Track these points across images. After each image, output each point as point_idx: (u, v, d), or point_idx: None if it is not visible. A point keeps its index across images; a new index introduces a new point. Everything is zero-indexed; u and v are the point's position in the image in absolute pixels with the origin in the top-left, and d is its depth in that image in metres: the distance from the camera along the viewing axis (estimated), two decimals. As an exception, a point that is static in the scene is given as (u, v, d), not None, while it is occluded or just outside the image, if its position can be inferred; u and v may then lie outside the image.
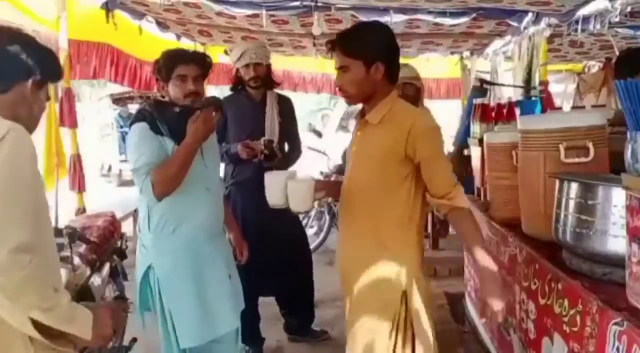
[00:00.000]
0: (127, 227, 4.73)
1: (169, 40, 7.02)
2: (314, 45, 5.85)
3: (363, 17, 4.53)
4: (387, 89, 1.92)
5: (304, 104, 19.87)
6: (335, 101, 24.03)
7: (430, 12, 4.43)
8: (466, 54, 7.12)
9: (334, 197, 2.11)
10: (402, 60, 5.58)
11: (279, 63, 7.54)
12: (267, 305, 3.38)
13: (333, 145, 7.08)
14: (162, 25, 6.08)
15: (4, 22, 4.13)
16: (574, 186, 1.67)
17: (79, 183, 5.09)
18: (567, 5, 4.04)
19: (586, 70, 7.41)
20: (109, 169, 10.91)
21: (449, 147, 3.40)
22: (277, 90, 3.44)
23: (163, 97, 2.32)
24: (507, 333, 2.42)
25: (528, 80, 4.88)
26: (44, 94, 1.49)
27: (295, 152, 3.41)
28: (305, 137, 4.51)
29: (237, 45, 3.29)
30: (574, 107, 4.98)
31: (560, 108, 4.62)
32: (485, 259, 1.83)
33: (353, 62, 1.83)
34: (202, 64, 2.28)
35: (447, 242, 4.64)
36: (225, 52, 3.38)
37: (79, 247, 2.49)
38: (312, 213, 5.81)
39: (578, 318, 1.60)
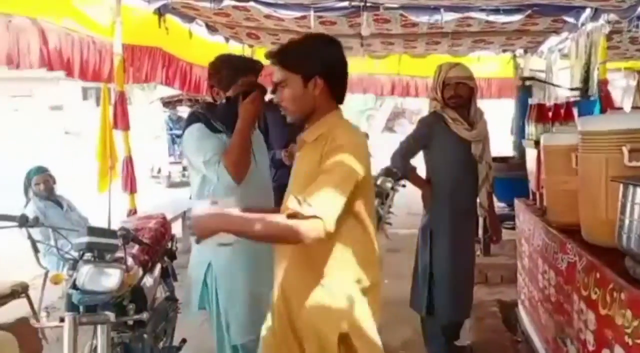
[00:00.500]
0: (176, 229, 4.83)
1: (218, 43, 7.15)
2: (362, 45, 5.81)
3: (412, 17, 4.46)
4: (329, 106, 1.76)
5: (348, 105, 19.85)
6: (382, 101, 23.93)
7: (482, 10, 4.31)
8: (519, 52, 6.91)
9: None
10: (452, 59, 5.48)
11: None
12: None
13: (379, 147, 7.00)
14: (212, 28, 6.19)
15: (60, 30, 4.29)
16: (640, 191, 1.59)
17: (130, 185, 5.24)
18: (627, 0, 3.86)
19: (647, 67, 7.05)
20: (159, 170, 11.18)
21: (492, 151, 3.28)
22: None
23: (215, 101, 2.39)
24: (564, 344, 2.31)
25: (586, 79, 4.68)
26: None
27: None
28: (352, 139, 4.48)
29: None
30: (634, 107, 4.74)
31: (620, 108, 4.40)
32: (541, 266, 1.75)
33: (291, 76, 1.72)
34: (258, 73, 2.41)
35: (499, 248, 4.50)
36: (266, 56, 3.36)
37: (132, 248, 2.54)
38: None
39: (643, 330, 1.51)
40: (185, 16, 5.59)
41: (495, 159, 3.47)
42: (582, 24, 4.50)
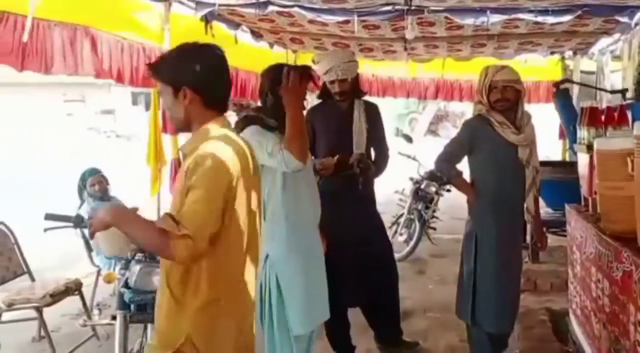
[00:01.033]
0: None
1: (262, 48, 7.26)
2: (405, 49, 5.77)
3: (458, 19, 4.41)
4: (204, 116, 1.69)
5: (391, 107, 19.69)
6: (425, 104, 23.61)
7: (531, 11, 4.21)
8: (568, 53, 6.71)
9: None
10: (498, 62, 5.37)
11: (369, 68, 7.55)
12: (359, 314, 3.35)
13: (423, 150, 6.94)
14: (256, 34, 6.29)
15: (111, 37, 4.45)
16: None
17: (178, 187, 5.38)
18: (685, -1, 3.69)
19: None
20: (205, 173, 11.42)
21: (542, 155, 3.20)
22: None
23: (265, 106, 2.51)
24: (619, 357, 2.22)
25: (639, 80, 4.50)
26: None
27: (382, 158, 3.38)
28: (394, 142, 4.46)
29: (325, 57, 3.30)
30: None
31: (678, 111, 4.20)
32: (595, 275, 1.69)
33: (163, 87, 1.71)
34: (310, 79, 2.51)
35: (548, 255, 4.37)
36: (313, 61, 3.38)
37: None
38: (402, 220, 5.71)
39: None
40: (230, 22, 5.69)
41: (543, 163, 3.37)
42: (636, 24, 4.33)
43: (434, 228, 5.95)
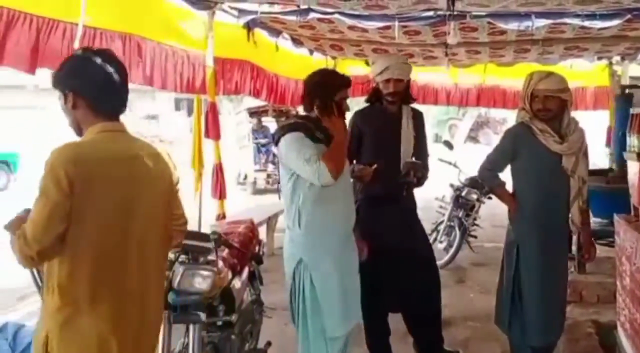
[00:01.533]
0: (261, 234, 4.95)
1: (302, 55, 7.33)
2: (446, 55, 5.72)
3: (501, 24, 4.34)
4: (90, 121, 1.69)
5: (430, 114, 19.50)
6: (465, 111, 23.28)
7: (577, 16, 4.11)
8: (616, 59, 6.51)
9: None
10: (542, 68, 5.26)
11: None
12: (400, 321, 3.31)
13: (463, 157, 6.84)
14: (297, 41, 6.36)
15: (155, 44, 4.57)
16: None
17: (220, 191, 5.47)
18: None
19: None
20: (245, 177, 11.59)
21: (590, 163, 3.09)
22: None
23: (311, 110, 2.56)
24: (672, 373, 2.13)
25: (694, 86, 4.32)
26: None
27: (425, 167, 3.35)
28: (434, 149, 4.42)
29: (380, 58, 3.30)
30: None
31: None
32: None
33: (58, 92, 1.73)
34: (349, 87, 2.62)
35: (595, 266, 4.23)
36: (366, 63, 3.37)
37: (222, 251, 2.65)
38: (442, 227, 5.64)
39: None
40: (272, 30, 5.78)
41: (590, 172, 3.26)
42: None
43: (475, 236, 5.84)
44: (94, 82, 1.68)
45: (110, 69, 1.70)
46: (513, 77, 7.89)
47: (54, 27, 3.56)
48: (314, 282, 2.48)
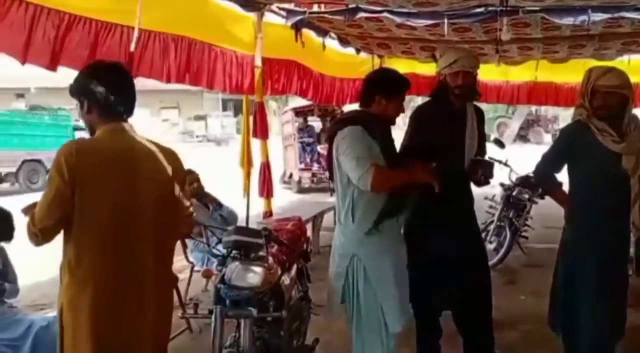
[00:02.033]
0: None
1: (348, 54, 7.33)
2: (497, 51, 5.59)
3: (555, 19, 4.22)
4: (100, 124, 1.95)
5: (479, 113, 19.08)
6: (514, 108, 22.67)
7: (637, 9, 3.94)
8: (679, 53, 6.19)
9: None
10: (599, 63, 5.05)
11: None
12: (449, 321, 3.26)
13: (513, 156, 6.66)
14: (344, 40, 6.37)
15: (204, 45, 4.67)
16: None
17: (267, 190, 5.55)
18: None
19: None
20: (290, 176, 11.69)
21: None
22: None
23: (369, 105, 2.58)
24: None
25: None
26: None
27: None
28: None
29: (450, 50, 3.21)
30: None
31: None
32: None
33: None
34: (409, 88, 2.67)
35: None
36: (433, 57, 3.28)
37: (272, 248, 2.69)
38: (491, 227, 5.51)
39: None
40: (319, 29, 5.81)
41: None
42: None
43: (526, 237, 5.69)
44: (99, 91, 1.92)
45: (116, 79, 1.98)
46: (567, 73, 7.66)
47: (111, 30, 3.71)
48: (369, 277, 2.49)
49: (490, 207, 5.77)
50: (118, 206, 1.85)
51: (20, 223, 2.08)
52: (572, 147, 2.82)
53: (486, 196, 5.80)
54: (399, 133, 2.87)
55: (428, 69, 6.85)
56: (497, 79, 7.78)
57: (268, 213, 5.51)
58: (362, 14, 4.42)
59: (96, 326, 1.83)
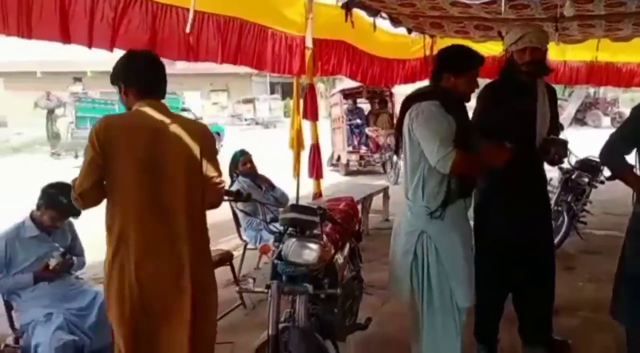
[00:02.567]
0: (357, 213, 4.97)
1: (399, 34, 7.20)
2: (556, 29, 5.36)
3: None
4: (134, 104, 2.21)
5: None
6: (571, 91, 21.70)
7: None
8: None
9: None
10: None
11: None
12: (507, 305, 3.20)
13: (571, 140, 6.42)
14: (395, 20, 6.24)
15: (256, 26, 4.69)
16: None
17: (316, 171, 5.58)
18: None
19: None
20: (338, 158, 11.69)
21: None
22: None
23: (439, 82, 2.53)
24: None
25: None
26: None
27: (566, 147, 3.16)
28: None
29: (516, 27, 3.10)
30: None
31: None
32: None
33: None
34: (482, 65, 2.59)
35: None
36: (500, 34, 3.19)
37: (326, 226, 2.69)
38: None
39: None
40: (370, 9, 5.72)
41: None
42: None
43: (584, 223, 5.49)
44: (131, 75, 2.21)
45: (147, 65, 2.24)
46: (630, 53, 7.27)
47: (167, 11, 3.78)
48: (440, 253, 2.47)
49: (548, 191, 5.59)
50: (142, 172, 2.08)
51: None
52: None
53: (543, 179, 5.62)
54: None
55: (482, 49, 6.65)
56: (554, 59, 7.48)
57: (318, 195, 5.54)
58: (416, -8, 4.32)
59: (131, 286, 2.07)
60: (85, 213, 2.41)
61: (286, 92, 29.32)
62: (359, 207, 6.04)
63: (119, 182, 2.07)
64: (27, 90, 24.15)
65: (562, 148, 2.93)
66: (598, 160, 4.97)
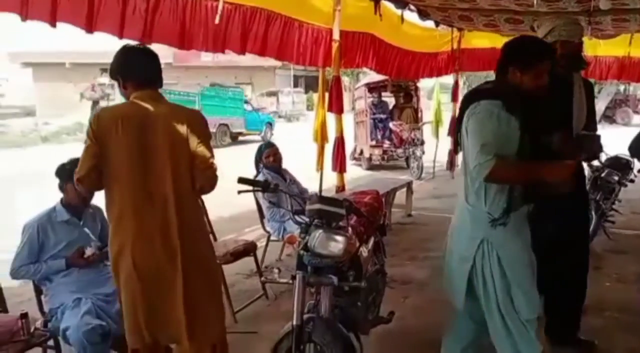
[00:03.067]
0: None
1: (426, 28, 7.13)
2: (589, 23, 5.24)
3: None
4: (132, 95, 2.36)
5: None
6: (600, 87, 21.20)
7: None
8: None
9: None
10: None
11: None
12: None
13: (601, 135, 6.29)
14: (423, 13, 6.19)
15: (283, 17, 4.68)
16: None
17: (340, 165, 5.57)
18: None
19: None
20: (360, 152, 11.63)
21: None
22: None
23: (504, 77, 2.32)
24: None
25: None
26: None
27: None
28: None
29: (547, 20, 3.01)
30: None
31: None
32: None
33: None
34: (553, 56, 2.39)
35: None
36: (532, 28, 3.10)
37: (350, 219, 2.68)
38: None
39: None
40: (398, 1, 5.68)
41: None
42: None
43: (612, 222, 5.38)
44: (128, 68, 2.36)
45: (141, 58, 2.39)
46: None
47: (197, 3, 3.80)
48: (502, 262, 2.29)
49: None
50: (132, 158, 2.25)
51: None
52: None
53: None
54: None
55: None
56: (585, 54, 7.32)
57: (341, 188, 5.53)
58: (446, -16, 4.27)
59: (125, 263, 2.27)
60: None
61: (309, 86, 29.26)
62: (382, 201, 6.04)
63: (113, 168, 2.26)
64: (55, 81, 24.66)
65: (597, 143, 2.84)
66: (629, 158, 4.88)
